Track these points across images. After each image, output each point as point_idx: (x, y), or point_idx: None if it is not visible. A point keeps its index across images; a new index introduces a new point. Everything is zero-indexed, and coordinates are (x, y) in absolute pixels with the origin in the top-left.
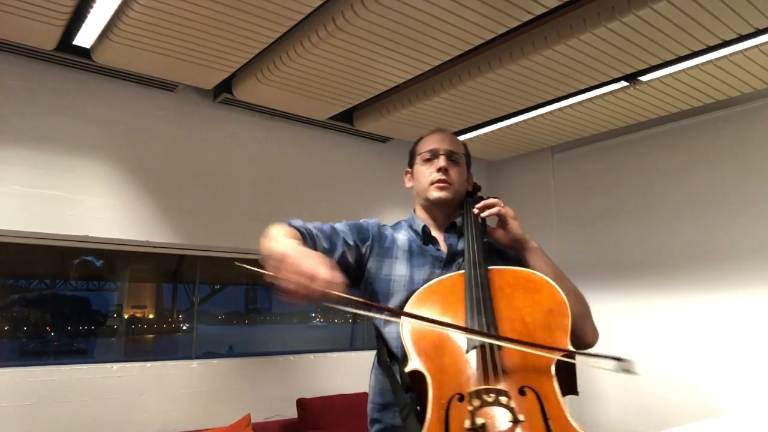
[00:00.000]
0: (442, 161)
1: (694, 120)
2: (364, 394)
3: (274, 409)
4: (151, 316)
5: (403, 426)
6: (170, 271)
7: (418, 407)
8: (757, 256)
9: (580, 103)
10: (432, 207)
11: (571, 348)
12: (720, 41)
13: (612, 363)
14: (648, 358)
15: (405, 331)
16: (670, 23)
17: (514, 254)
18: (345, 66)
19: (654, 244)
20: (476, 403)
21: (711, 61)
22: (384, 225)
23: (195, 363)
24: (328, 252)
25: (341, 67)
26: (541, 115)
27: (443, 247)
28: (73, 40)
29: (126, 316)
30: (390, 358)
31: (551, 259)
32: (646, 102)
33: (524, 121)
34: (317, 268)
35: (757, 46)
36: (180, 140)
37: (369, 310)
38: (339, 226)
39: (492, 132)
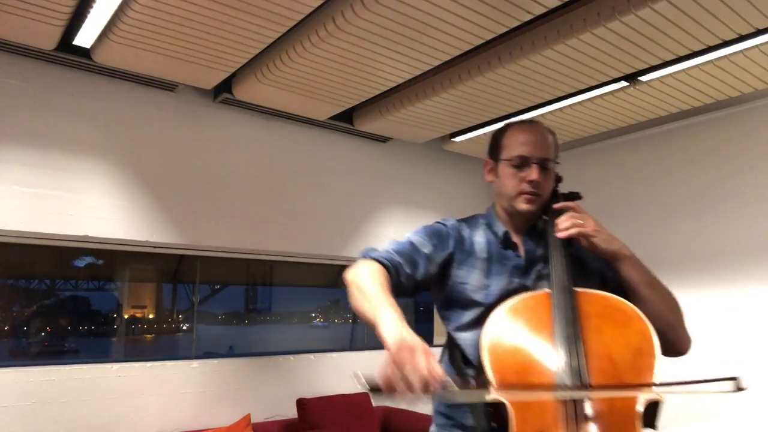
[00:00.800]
0: (534, 174)
1: (694, 120)
2: (364, 395)
3: (274, 409)
4: (151, 316)
5: (473, 428)
6: (170, 271)
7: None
8: (757, 255)
9: (580, 103)
10: (516, 214)
11: (657, 394)
12: (720, 41)
13: (728, 384)
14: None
15: (485, 355)
16: (670, 23)
17: (597, 265)
18: (345, 66)
19: (654, 242)
20: None
21: (711, 61)
22: (461, 224)
23: (195, 363)
24: (412, 274)
25: (341, 67)
26: (541, 115)
27: (522, 252)
28: (73, 40)
29: (126, 316)
30: (464, 362)
31: (645, 266)
32: (646, 102)
33: None
34: (432, 365)
35: (757, 46)
36: (180, 140)
37: (467, 394)
38: (416, 238)
39: (492, 132)
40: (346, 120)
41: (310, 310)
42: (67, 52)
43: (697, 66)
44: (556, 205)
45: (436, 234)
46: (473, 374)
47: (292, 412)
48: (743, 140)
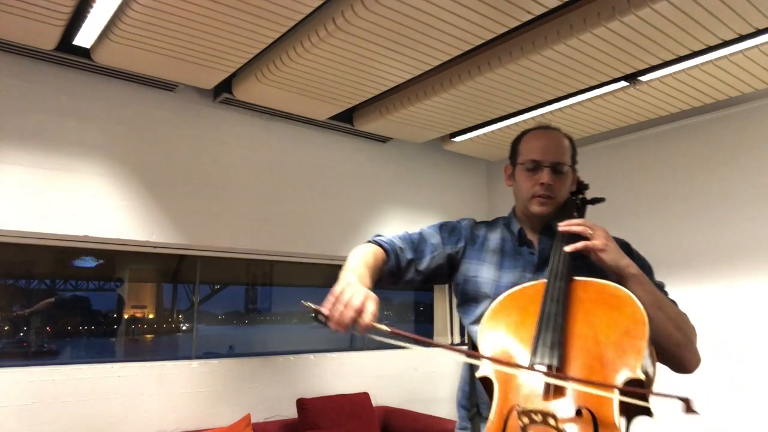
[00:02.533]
0: (545, 177)
1: (694, 120)
2: (364, 394)
3: (274, 409)
4: (151, 316)
5: None
6: (170, 271)
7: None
8: (757, 255)
9: (580, 103)
10: (532, 216)
11: (639, 373)
12: (720, 41)
13: (678, 402)
14: None
15: (480, 337)
16: (670, 23)
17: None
18: (345, 66)
19: (653, 242)
20: (525, 420)
21: (711, 61)
22: (479, 224)
23: (195, 363)
24: (415, 261)
25: (341, 67)
26: (541, 115)
27: (537, 249)
28: (73, 40)
29: (126, 316)
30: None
31: (652, 286)
32: (646, 102)
33: (524, 121)
34: (366, 304)
35: (757, 46)
36: (180, 140)
37: (410, 342)
38: (427, 230)
39: (492, 132)
40: (346, 120)
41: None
42: (67, 52)
43: (697, 66)
44: (561, 229)
45: (447, 228)
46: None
47: (292, 412)
48: (743, 140)
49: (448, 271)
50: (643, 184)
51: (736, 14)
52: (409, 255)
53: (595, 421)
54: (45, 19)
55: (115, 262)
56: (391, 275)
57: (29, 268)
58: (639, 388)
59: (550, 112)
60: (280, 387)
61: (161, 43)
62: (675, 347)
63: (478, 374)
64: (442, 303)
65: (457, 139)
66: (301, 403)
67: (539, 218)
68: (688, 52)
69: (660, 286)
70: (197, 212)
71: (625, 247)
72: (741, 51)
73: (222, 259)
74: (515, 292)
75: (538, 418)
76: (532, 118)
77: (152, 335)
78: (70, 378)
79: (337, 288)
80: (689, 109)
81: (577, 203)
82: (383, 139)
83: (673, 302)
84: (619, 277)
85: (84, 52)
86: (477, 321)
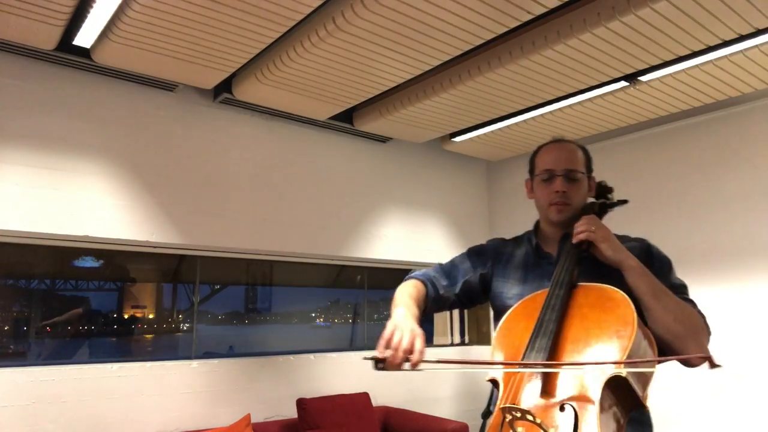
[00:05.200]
0: (558, 185)
1: (694, 120)
2: (364, 394)
3: (274, 409)
4: (151, 316)
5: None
6: (170, 271)
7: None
8: (758, 254)
9: (580, 103)
10: (551, 224)
11: (621, 370)
12: (720, 41)
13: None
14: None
15: (493, 342)
16: (670, 23)
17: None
18: (345, 66)
19: (653, 241)
20: (508, 417)
21: (711, 61)
22: (507, 241)
23: (195, 363)
24: (449, 287)
25: (341, 67)
26: (541, 115)
27: (555, 258)
28: (73, 40)
29: (126, 316)
30: None
31: (652, 277)
32: (646, 102)
33: (524, 121)
34: (415, 344)
35: (757, 46)
36: (180, 140)
37: (455, 364)
38: (457, 258)
39: (492, 132)
40: (346, 120)
41: (311, 310)
42: (67, 52)
43: (697, 66)
44: (573, 241)
45: (475, 253)
46: None
47: (292, 412)
48: (743, 140)
49: (482, 290)
50: (643, 183)
51: (736, 14)
52: (443, 282)
53: (576, 417)
54: (45, 19)
55: (115, 262)
56: (434, 302)
57: (29, 268)
58: (622, 384)
59: (550, 112)
60: (280, 387)
61: (161, 43)
62: (674, 339)
63: (487, 376)
64: None
65: (457, 139)
66: (301, 403)
67: (559, 225)
68: (688, 52)
69: (678, 286)
70: (197, 212)
71: (646, 247)
72: (741, 51)
73: (222, 259)
74: (526, 300)
75: (519, 414)
76: (533, 118)
77: (152, 335)
78: (70, 378)
79: (387, 331)
80: (689, 109)
81: (594, 209)
82: (383, 139)
83: (691, 302)
84: (619, 269)
85: (84, 52)
86: None
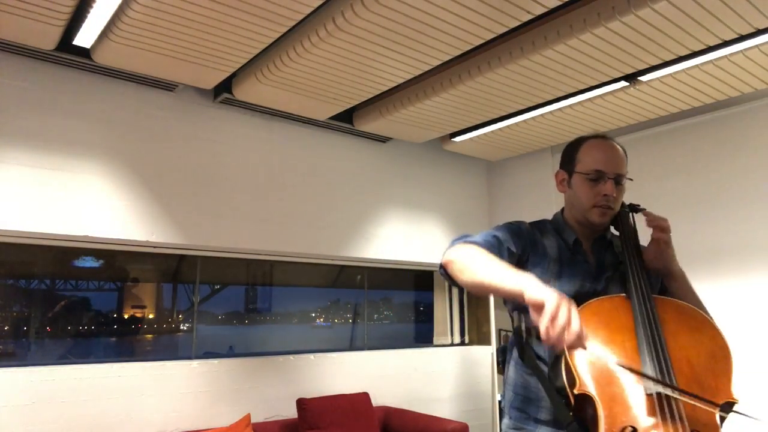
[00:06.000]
0: (609, 188)
1: (694, 120)
2: (364, 394)
3: (274, 409)
4: (151, 316)
5: (548, 421)
6: (170, 271)
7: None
8: (758, 254)
9: (580, 103)
10: (588, 225)
11: (734, 395)
12: (720, 41)
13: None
14: None
15: (572, 353)
16: (670, 23)
17: (654, 277)
18: (345, 66)
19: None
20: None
21: (711, 61)
22: (532, 226)
23: (195, 363)
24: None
25: (341, 67)
26: (541, 115)
27: (591, 258)
28: (73, 40)
29: (126, 316)
30: (538, 357)
31: (691, 284)
32: (646, 102)
33: (524, 121)
34: (573, 320)
35: (757, 46)
36: (180, 140)
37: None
38: (500, 234)
39: (492, 132)
40: (346, 120)
41: (311, 310)
42: (67, 52)
43: (697, 66)
44: (649, 224)
45: (515, 232)
46: (545, 370)
47: (292, 412)
48: (743, 140)
49: None
50: (643, 183)
51: (736, 14)
52: (494, 254)
53: None
54: (45, 19)
55: (115, 262)
56: None
57: (29, 268)
58: (735, 409)
59: (550, 112)
60: (280, 387)
61: (161, 43)
62: None
63: (577, 390)
64: (442, 303)
65: (457, 139)
66: (301, 403)
67: (595, 228)
68: (688, 52)
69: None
70: (197, 212)
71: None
72: (741, 51)
73: (222, 259)
74: (593, 305)
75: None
76: (533, 118)
77: (152, 335)
78: (70, 378)
79: (550, 304)
80: (689, 109)
81: (627, 212)
82: (383, 139)
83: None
84: (668, 274)
85: (84, 52)
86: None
